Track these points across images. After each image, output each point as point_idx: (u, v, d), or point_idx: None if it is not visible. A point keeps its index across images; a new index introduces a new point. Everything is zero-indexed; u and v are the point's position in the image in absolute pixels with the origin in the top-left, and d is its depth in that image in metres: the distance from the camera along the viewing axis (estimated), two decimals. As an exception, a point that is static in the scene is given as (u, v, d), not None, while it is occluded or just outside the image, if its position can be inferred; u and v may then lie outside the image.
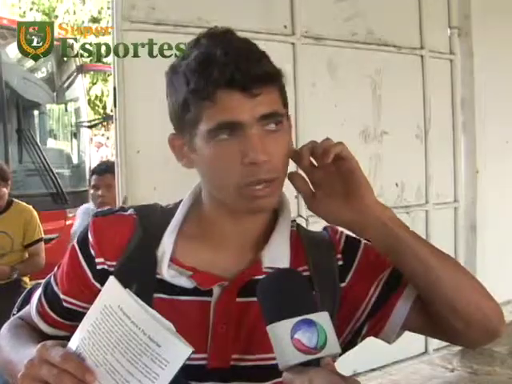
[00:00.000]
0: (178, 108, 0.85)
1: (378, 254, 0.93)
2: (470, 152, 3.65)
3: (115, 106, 2.41)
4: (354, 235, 0.95)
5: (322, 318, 0.73)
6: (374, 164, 3.13)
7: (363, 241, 0.96)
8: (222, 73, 0.80)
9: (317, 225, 1.04)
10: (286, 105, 0.88)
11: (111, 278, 0.72)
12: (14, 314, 1.10)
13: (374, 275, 0.93)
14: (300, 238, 0.95)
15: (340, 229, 0.97)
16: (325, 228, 0.99)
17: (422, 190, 3.35)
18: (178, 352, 0.67)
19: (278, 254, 0.89)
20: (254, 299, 0.85)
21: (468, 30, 3.58)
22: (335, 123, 2.99)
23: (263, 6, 2.77)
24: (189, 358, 0.68)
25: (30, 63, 5.15)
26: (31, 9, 10.28)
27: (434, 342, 3.30)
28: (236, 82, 0.80)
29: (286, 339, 0.71)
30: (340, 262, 0.94)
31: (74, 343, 0.71)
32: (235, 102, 0.81)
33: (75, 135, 5.84)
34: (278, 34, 2.79)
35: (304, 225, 1.01)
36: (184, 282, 0.87)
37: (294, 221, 0.99)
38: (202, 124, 0.83)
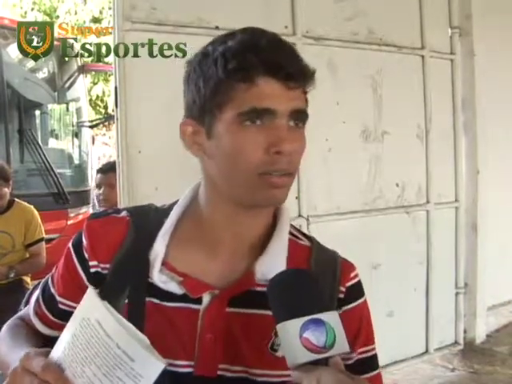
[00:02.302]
0: (205, 91, 0.83)
1: (370, 322, 0.94)
2: (471, 152, 3.66)
3: (116, 106, 2.41)
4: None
5: (332, 318, 0.74)
6: (374, 164, 3.13)
7: (365, 295, 0.95)
8: (268, 59, 0.81)
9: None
10: (306, 107, 0.88)
11: (89, 290, 0.73)
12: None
13: (359, 335, 0.92)
14: (310, 257, 0.92)
15: (357, 270, 0.95)
16: (342, 258, 0.95)
17: (422, 190, 3.35)
18: (152, 366, 0.68)
19: (272, 267, 0.85)
20: (245, 310, 0.85)
21: (469, 30, 3.58)
22: (336, 123, 2.99)
23: (264, 7, 2.77)
24: (164, 371, 0.68)
25: (31, 63, 5.15)
26: (32, 9, 10.27)
27: (435, 342, 3.27)
28: (280, 71, 0.81)
29: (294, 338, 0.72)
30: (341, 295, 0.91)
31: (55, 353, 0.72)
32: (274, 90, 0.81)
33: (76, 135, 5.85)
34: (279, 34, 2.79)
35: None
36: (174, 287, 0.86)
37: (304, 234, 0.96)
38: (231, 107, 0.81)
